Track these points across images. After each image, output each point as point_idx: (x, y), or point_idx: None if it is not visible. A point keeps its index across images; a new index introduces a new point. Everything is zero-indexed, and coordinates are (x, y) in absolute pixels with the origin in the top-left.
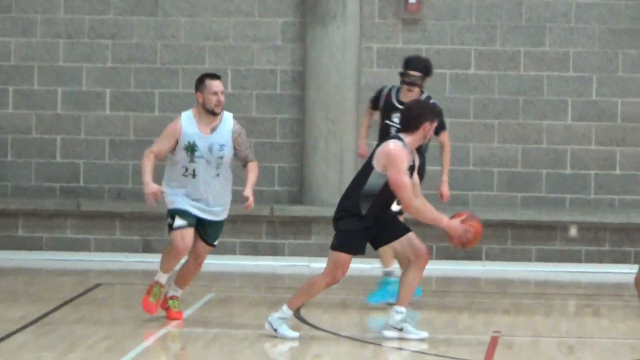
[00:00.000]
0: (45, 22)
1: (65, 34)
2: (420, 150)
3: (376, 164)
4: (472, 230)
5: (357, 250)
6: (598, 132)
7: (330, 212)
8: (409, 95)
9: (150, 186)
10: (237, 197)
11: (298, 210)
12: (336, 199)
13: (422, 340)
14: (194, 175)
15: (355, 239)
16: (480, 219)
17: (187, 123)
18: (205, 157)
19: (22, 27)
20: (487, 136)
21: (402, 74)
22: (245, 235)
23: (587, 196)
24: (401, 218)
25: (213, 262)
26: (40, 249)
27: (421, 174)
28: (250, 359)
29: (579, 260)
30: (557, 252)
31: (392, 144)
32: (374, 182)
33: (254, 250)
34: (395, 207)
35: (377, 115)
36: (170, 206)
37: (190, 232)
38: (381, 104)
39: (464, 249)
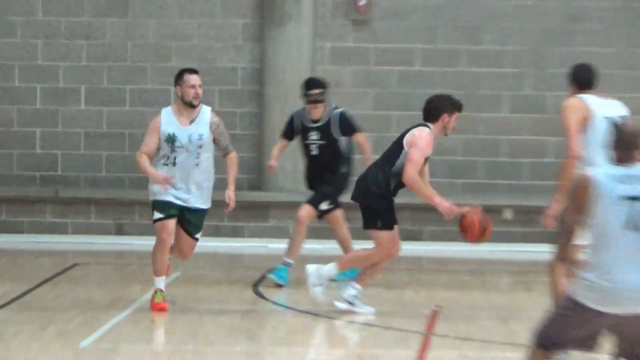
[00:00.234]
0: (25, 24)
1: (43, 35)
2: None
3: (406, 145)
4: (469, 218)
5: (395, 222)
6: (530, 124)
7: (286, 197)
8: (316, 112)
9: (159, 175)
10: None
11: (257, 196)
12: (291, 186)
13: (368, 314)
14: (174, 164)
15: (391, 214)
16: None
17: (166, 117)
18: (185, 146)
19: (3, 29)
20: None
21: (305, 95)
22: (209, 219)
23: (520, 182)
24: None
25: None
26: (22, 232)
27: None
28: (213, 331)
29: (513, 241)
30: (493, 233)
31: (423, 129)
32: (402, 162)
33: (216, 232)
34: (324, 206)
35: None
36: (152, 197)
37: (171, 223)
38: (297, 129)
39: (477, 241)
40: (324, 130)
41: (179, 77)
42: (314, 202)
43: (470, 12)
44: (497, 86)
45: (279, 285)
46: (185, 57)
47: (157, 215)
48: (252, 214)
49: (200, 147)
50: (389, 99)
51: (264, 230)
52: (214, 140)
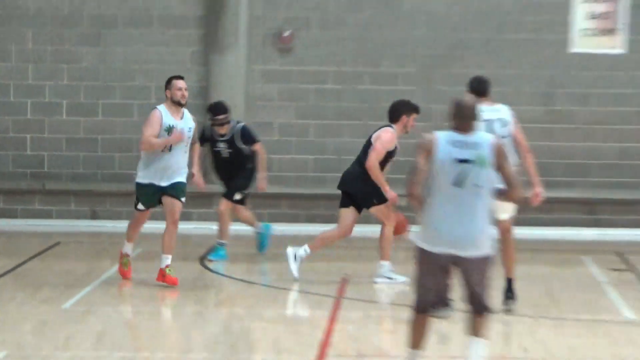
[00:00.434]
0: (18, 51)
1: (33, 60)
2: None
3: (373, 141)
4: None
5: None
6: (419, 129)
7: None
8: (222, 129)
9: (172, 137)
10: None
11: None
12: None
13: (404, 282)
14: (170, 149)
15: (380, 191)
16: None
17: (164, 112)
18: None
19: (1, 56)
20: (338, 133)
21: (212, 119)
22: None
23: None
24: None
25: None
26: (15, 217)
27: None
28: (169, 296)
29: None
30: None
31: (387, 129)
32: None
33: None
34: (237, 196)
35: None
36: (136, 179)
37: (148, 212)
38: (207, 139)
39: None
40: (230, 141)
41: (169, 82)
42: (229, 195)
43: (372, 41)
44: (392, 101)
45: (217, 261)
46: (146, 78)
47: (141, 207)
48: (200, 202)
49: (189, 137)
50: (307, 110)
51: (208, 215)
52: None
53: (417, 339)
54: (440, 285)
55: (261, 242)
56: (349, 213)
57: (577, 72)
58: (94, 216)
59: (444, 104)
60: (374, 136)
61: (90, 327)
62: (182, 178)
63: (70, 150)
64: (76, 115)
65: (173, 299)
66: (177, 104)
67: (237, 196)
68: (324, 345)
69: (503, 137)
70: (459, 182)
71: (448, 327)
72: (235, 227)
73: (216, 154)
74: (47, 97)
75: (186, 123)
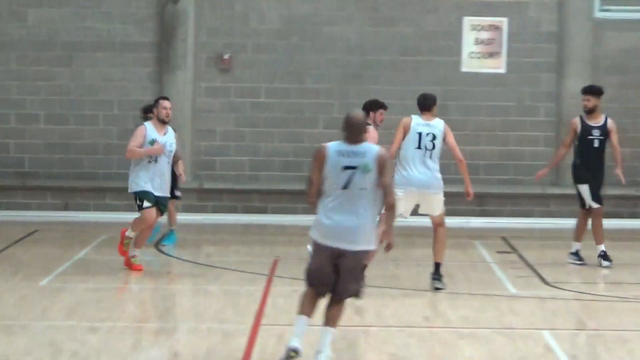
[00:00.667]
0: (3, 71)
1: (16, 78)
2: None
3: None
4: None
5: None
6: (338, 136)
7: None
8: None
9: (153, 148)
10: None
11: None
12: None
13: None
14: (155, 161)
15: None
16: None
17: (149, 128)
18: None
19: None
20: (269, 138)
21: (143, 117)
22: (129, 200)
23: None
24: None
25: (106, 216)
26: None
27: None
28: (129, 275)
29: None
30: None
31: (369, 128)
32: None
33: (131, 208)
34: (178, 193)
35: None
36: (136, 188)
37: (154, 210)
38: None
39: None
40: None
41: (156, 102)
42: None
43: (297, 63)
44: (315, 111)
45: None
46: (110, 94)
47: (146, 204)
48: None
49: (171, 151)
50: (244, 121)
51: None
52: None
53: (304, 307)
54: (326, 271)
55: (169, 237)
56: None
57: (467, 88)
58: (67, 208)
59: None
60: None
61: (63, 301)
62: (167, 192)
63: (47, 153)
64: (52, 124)
65: (133, 277)
66: (162, 122)
67: (178, 192)
68: (259, 316)
69: (428, 149)
70: (346, 186)
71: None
72: (182, 217)
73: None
74: (28, 109)
75: (169, 138)
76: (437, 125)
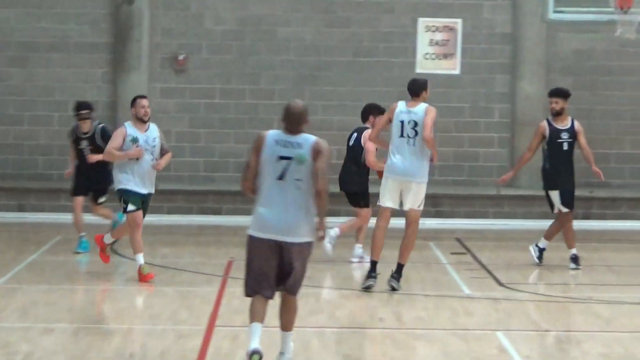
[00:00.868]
0: None
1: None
2: None
3: (363, 143)
4: None
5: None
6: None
7: None
8: (85, 126)
9: (131, 151)
10: None
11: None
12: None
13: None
14: (137, 159)
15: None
16: None
17: (129, 127)
18: (144, 146)
19: None
20: (224, 139)
21: (76, 115)
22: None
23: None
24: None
25: (61, 217)
26: None
27: None
28: (85, 275)
29: None
30: None
31: (367, 130)
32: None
33: (85, 209)
34: (102, 199)
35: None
36: (119, 186)
37: (140, 213)
38: (74, 138)
39: None
40: (91, 139)
41: (134, 101)
42: (95, 197)
43: (252, 63)
44: (270, 112)
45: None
46: (64, 94)
47: (131, 207)
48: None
49: (154, 147)
50: (198, 121)
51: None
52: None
53: (255, 315)
54: (268, 269)
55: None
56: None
57: None
58: (21, 209)
59: (312, 115)
60: (362, 139)
61: (17, 302)
62: (152, 188)
63: (1, 154)
64: (6, 125)
65: (87, 278)
66: (140, 120)
67: (102, 199)
68: (213, 317)
69: (410, 137)
70: (281, 177)
71: (316, 302)
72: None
73: (79, 152)
74: (12, 112)
75: (151, 134)
76: (418, 111)
